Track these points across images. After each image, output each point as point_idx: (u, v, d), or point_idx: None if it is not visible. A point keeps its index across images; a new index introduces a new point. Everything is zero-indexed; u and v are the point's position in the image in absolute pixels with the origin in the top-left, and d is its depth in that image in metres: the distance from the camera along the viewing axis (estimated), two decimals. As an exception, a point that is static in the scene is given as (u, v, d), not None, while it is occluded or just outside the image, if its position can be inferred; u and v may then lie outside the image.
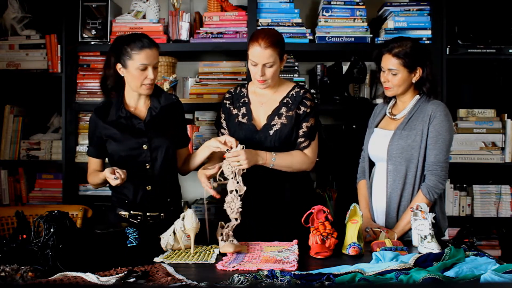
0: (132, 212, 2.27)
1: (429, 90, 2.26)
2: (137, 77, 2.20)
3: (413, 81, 2.26)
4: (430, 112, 2.21)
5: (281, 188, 2.32)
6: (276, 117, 2.32)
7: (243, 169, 2.08)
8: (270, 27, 2.98)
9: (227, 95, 2.45)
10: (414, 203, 2.15)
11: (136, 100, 2.30)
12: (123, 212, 2.29)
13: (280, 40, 2.29)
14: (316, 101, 2.49)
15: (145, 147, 2.25)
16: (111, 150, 2.27)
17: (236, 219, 2.03)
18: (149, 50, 2.19)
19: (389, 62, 2.24)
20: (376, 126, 2.39)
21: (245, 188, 2.05)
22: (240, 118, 2.36)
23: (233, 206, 2.02)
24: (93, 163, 2.35)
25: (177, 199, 2.45)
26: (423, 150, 2.21)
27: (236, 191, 2.04)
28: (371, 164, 2.40)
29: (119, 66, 2.22)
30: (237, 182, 2.05)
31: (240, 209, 2.03)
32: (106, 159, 2.37)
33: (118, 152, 2.25)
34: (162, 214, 2.31)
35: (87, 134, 2.37)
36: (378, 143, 2.32)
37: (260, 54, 2.22)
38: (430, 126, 2.20)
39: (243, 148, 2.09)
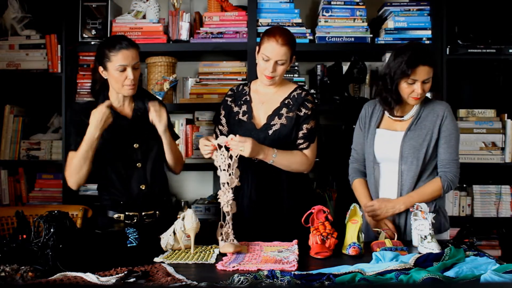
0: (127, 213, 2.27)
1: (437, 84, 2.28)
2: (117, 78, 2.21)
3: None
4: (441, 112, 2.25)
5: (280, 188, 2.32)
6: (276, 117, 2.32)
7: (236, 158, 2.05)
8: (270, 27, 2.98)
9: (230, 92, 2.46)
10: (428, 188, 2.21)
11: (121, 102, 2.31)
12: (117, 215, 2.27)
13: (295, 40, 2.32)
14: (316, 101, 2.49)
15: (136, 146, 2.26)
16: (100, 149, 2.24)
17: (228, 213, 2.02)
18: (126, 51, 2.19)
19: (426, 72, 2.18)
20: (377, 127, 2.37)
21: (236, 181, 2.04)
22: (240, 116, 2.36)
23: (225, 198, 2.02)
24: None
25: (169, 196, 2.54)
26: (431, 148, 2.24)
27: (228, 183, 2.03)
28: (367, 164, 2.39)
29: (101, 69, 2.25)
30: (230, 175, 2.03)
31: (232, 201, 2.02)
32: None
33: (108, 152, 2.25)
34: (157, 212, 2.32)
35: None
36: (386, 144, 2.31)
37: (275, 50, 2.23)
38: (442, 126, 2.24)
39: (223, 146, 2.06)
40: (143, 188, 2.28)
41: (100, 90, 2.31)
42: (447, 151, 2.24)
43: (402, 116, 2.31)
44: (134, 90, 2.25)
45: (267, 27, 2.97)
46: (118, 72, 2.20)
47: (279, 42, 2.22)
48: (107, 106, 2.17)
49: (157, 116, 2.24)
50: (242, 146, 2.08)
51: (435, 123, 2.25)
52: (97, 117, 2.16)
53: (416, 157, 2.24)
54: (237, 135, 2.09)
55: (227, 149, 2.08)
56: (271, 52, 2.23)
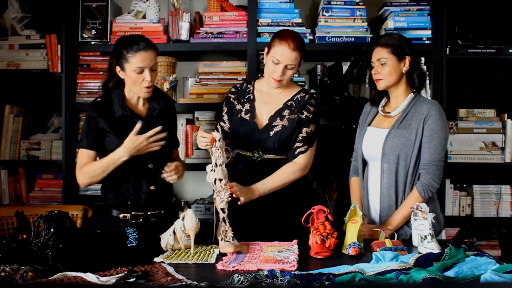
0: (133, 213, 2.26)
1: (420, 77, 2.26)
2: (135, 80, 2.18)
3: (403, 70, 2.25)
4: (426, 111, 2.20)
5: (280, 188, 2.32)
6: (278, 118, 2.32)
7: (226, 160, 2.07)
8: (270, 27, 2.99)
9: (233, 89, 2.46)
10: (409, 201, 2.16)
11: (136, 100, 2.29)
12: (122, 214, 2.25)
13: (305, 45, 2.32)
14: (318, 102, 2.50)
15: None
16: (113, 147, 2.22)
17: (223, 210, 2.01)
18: (144, 53, 2.16)
19: (378, 53, 2.25)
20: (369, 125, 2.37)
21: (228, 181, 2.04)
22: (242, 114, 2.36)
23: (222, 195, 2.01)
24: (87, 157, 2.23)
25: (173, 196, 2.59)
26: (417, 149, 2.20)
27: (222, 180, 2.01)
28: (364, 163, 2.38)
29: (118, 69, 2.21)
30: (224, 171, 2.03)
31: (229, 199, 2.01)
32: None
33: None
34: (162, 212, 2.31)
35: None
36: (372, 142, 2.30)
37: (287, 55, 2.23)
38: (425, 125, 2.20)
39: (219, 140, 2.04)
40: (153, 189, 2.27)
41: (115, 86, 2.27)
42: (427, 151, 2.19)
43: (390, 113, 2.31)
44: (150, 93, 2.23)
45: (267, 27, 2.99)
46: (135, 74, 2.16)
47: (291, 47, 2.22)
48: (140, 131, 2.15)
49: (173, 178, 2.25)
50: (241, 193, 2.15)
51: (420, 122, 2.21)
52: (133, 144, 2.15)
53: (397, 156, 2.21)
54: (239, 186, 2.15)
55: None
56: (282, 56, 2.23)
